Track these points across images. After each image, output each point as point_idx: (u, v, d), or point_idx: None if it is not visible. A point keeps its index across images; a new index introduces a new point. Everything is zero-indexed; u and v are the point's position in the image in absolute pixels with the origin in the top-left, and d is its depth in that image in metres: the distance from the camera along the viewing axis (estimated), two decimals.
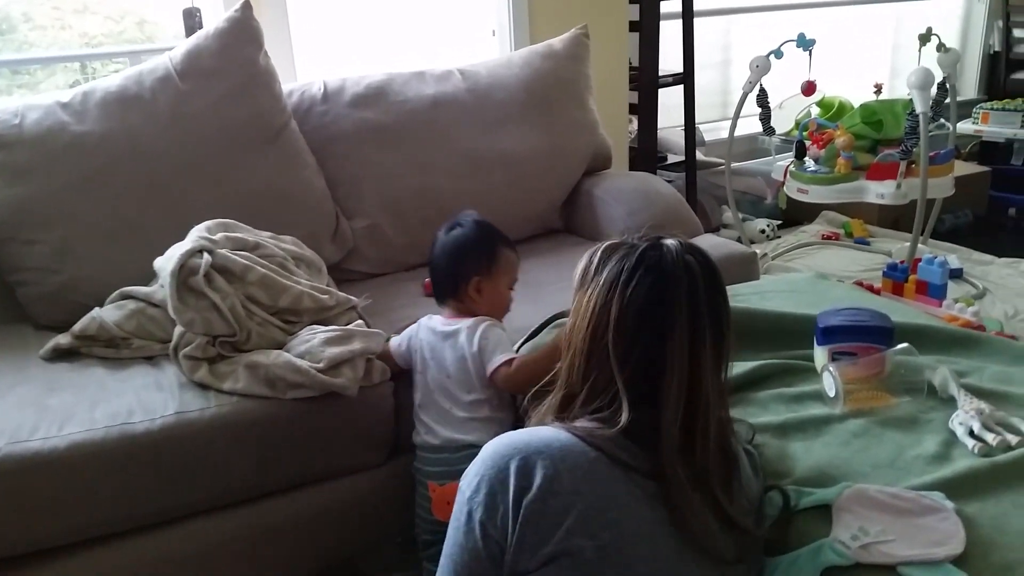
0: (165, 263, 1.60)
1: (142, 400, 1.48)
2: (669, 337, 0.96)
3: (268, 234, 1.82)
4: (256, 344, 1.59)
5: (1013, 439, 1.20)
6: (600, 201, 2.30)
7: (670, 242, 1.03)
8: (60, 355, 1.66)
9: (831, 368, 1.35)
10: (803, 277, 1.93)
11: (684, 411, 0.96)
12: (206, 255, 1.60)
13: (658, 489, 0.93)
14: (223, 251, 1.62)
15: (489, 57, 2.54)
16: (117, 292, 1.74)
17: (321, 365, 1.50)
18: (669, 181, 3.61)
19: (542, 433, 0.95)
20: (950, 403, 1.32)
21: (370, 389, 1.56)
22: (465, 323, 1.52)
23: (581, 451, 0.92)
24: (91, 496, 1.39)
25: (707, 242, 2.15)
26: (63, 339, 1.67)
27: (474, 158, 2.25)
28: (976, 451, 1.19)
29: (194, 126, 1.97)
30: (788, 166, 3.06)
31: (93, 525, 1.42)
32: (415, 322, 1.61)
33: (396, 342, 1.60)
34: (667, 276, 0.98)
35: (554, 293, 1.92)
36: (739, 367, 1.45)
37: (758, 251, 3.28)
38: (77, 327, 1.68)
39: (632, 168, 3.31)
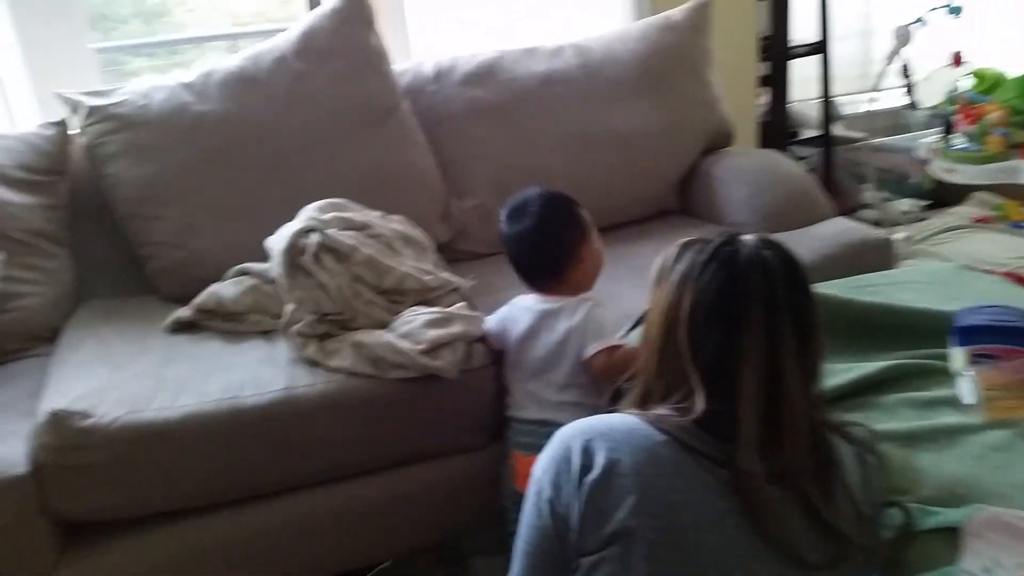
0: (276, 242, 1.64)
1: (254, 374, 1.52)
2: (744, 331, 0.94)
3: (377, 213, 1.83)
4: (362, 323, 1.60)
5: None
6: (719, 181, 2.19)
7: (747, 237, 1.00)
8: (181, 328, 1.73)
9: (970, 372, 1.23)
10: (944, 267, 1.76)
11: (766, 407, 0.93)
12: (315, 235, 1.62)
13: (729, 479, 0.91)
14: (332, 231, 1.64)
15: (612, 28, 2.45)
16: (235, 268, 1.79)
17: (421, 347, 1.50)
18: (802, 158, 3.45)
19: (610, 419, 0.97)
20: None
21: (471, 372, 1.55)
22: (567, 302, 1.47)
23: (647, 434, 0.93)
24: (200, 466, 1.44)
25: (838, 226, 2.01)
26: (184, 312, 1.73)
27: (585, 136, 2.18)
28: None
29: (308, 106, 2.01)
30: (935, 143, 2.82)
31: (201, 494, 1.47)
32: (507, 303, 1.57)
33: (492, 323, 1.57)
34: (740, 270, 0.96)
35: None
36: (865, 367, 1.34)
37: (901, 234, 3.07)
38: (197, 301, 1.73)
39: (761, 145, 3.15)
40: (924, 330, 1.42)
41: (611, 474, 0.89)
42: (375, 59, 2.10)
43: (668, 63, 2.28)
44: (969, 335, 1.30)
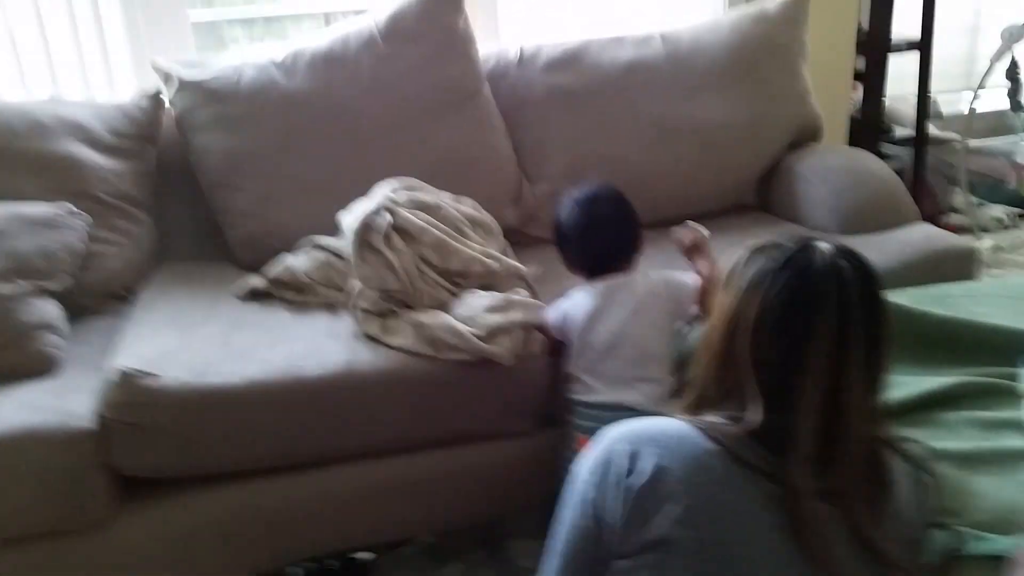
0: (349, 219, 1.67)
1: (317, 346, 1.56)
2: (811, 345, 0.91)
3: (448, 195, 1.85)
4: (425, 303, 1.63)
5: None
6: (802, 179, 2.13)
7: (823, 245, 0.96)
8: (252, 296, 1.79)
9: None
10: None
11: (825, 421, 0.90)
12: (387, 214, 1.65)
13: (779, 494, 0.89)
14: (403, 211, 1.66)
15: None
16: (308, 240, 1.84)
17: (480, 332, 1.51)
18: (892, 157, 3.32)
19: (661, 423, 0.96)
20: None
21: (527, 359, 1.56)
22: (627, 277, 1.53)
23: (697, 442, 0.91)
24: (259, 432, 1.49)
25: (921, 232, 1.93)
26: (257, 281, 1.79)
27: (665, 127, 2.15)
28: None
29: (392, 88, 2.04)
30: None
31: (258, 459, 1.52)
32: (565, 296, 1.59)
33: (552, 313, 1.58)
34: (814, 279, 0.93)
35: None
36: (931, 382, 1.30)
37: (990, 242, 2.93)
38: (269, 271, 1.79)
39: (852, 141, 3.04)
40: (997, 347, 1.37)
41: (658, 481, 0.88)
42: (461, 43, 2.11)
43: (759, 55, 2.23)
44: None
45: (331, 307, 1.72)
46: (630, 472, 0.90)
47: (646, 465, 0.89)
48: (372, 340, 1.58)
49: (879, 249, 1.82)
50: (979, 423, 1.22)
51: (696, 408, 1.00)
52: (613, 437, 0.95)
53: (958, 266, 1.82)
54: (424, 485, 1.61)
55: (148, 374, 1.45)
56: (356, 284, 1.63)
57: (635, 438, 0.93)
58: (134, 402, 1.43)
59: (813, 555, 0.87)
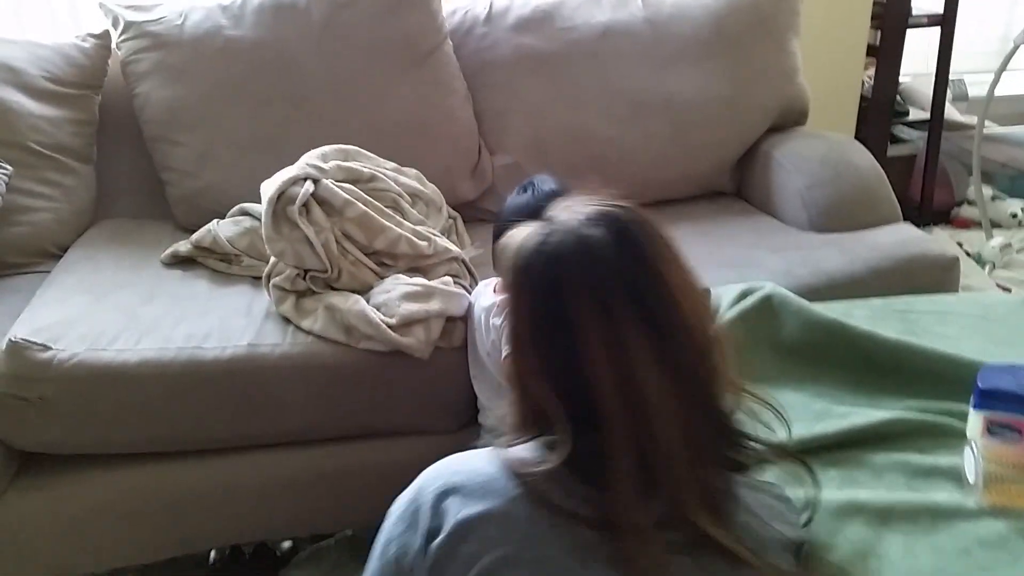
0: (267, 187, 1.56)
1: (224, 324, 1.47)
2: (580, 340, 0.76)
3: (391, 165, 1.73)
4: (346, 283, 1.52)
5: None
6: (778, 166, 1.96)
7: (565, 218, 0.80)
8: (178, 261, 1.69)
9: (976, 443, 1.05)
10: (1006, 300, 1.53)
11: (633, 431, 0.76)
12: (309, 184, 1.53)
13: (602, 539, 0.74)
14: (327, 182, 1.55)
15: None
16: (237, 207, 1.74)
17: (393, 321, 1.41)
18: (905, 141, 3.12)
19: (473, 462, 0.81)
20: None
21: (446, 352, 1.45)
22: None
23: (502, 489, 0.77)
24: (154, 413, 1.41)
25: (897, 235, 1.77)
26: (182, 247, 1.70)
27: (637, 99, 2.00)
28: None
29: (343, 40, 1.91)
30: None
31: (154, 440, 1.44)
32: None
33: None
34: (555, 265, 0.77)
35: (697, 270, 1.68)
36: (863, 415, 1.16)
37: (997, 240, 2.75)
38: (195, 236, 1.70)
39: (861, 122, 2.86)
40: (947, 378, 1.23)
41: (458, 538, 0.76)
42: None
43: (747, 25, 2.04)
44: (989, 399, 1.10)
45: (256, 279, 1.63)
46: (432, 532, 0.77)
47: (448, 522, 0.77)
48: (285, 320, 1.48)
49: (848, 252, 1.69)
50: (909, 469, 1.09)
51: (518, 433, 0.85)
52: (423, 480, 0.82)
53: (935, 276, 1.66)
54: (340, 479, 1.52)
55: (40, 345, 1.38)
56: (272, 259, 1.52)
57: (442, 486, 0.79)
58: (22, 375, 1.36)
59: None
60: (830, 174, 1.86)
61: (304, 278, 1.51)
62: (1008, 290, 2.50)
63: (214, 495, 1.49)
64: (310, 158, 1.61)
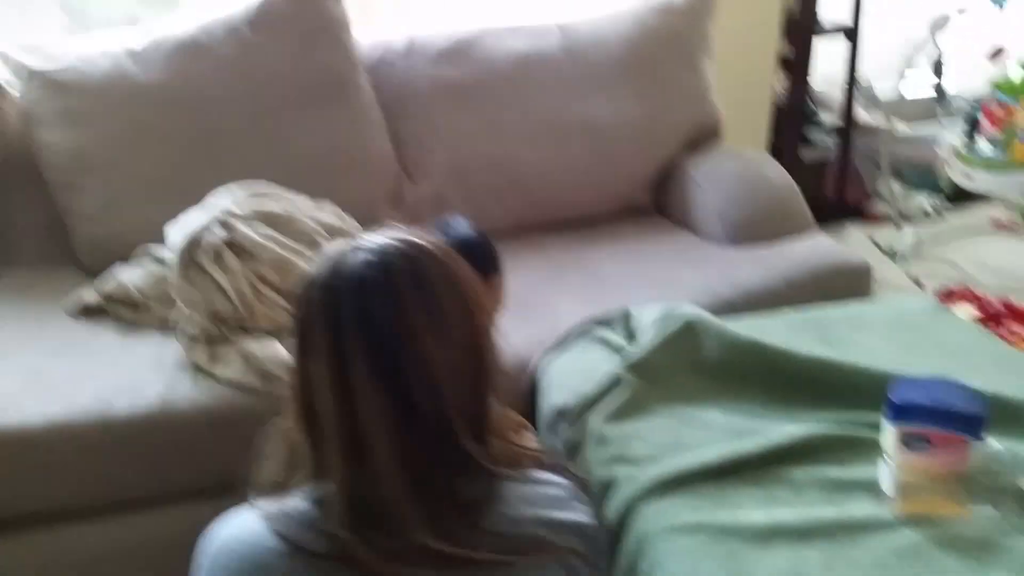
0: (176, 233, 1.52)
1: (134, 378, 1.42)
2: (316, 375, 0.80)
3: (306, 201, 1.70)
4: (262, 325, 1.48)
5: None
6: (695, 184, 1.99)
7: (353, 257, 0.82)
8: (86, 312, 1.63)
9: (890, 455, 1.07)
10: (919, 306, 1.56)
11: (352, 468, 0.80)
12: (220, 231, 1.49)
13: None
14: (240, 226, 1.51)
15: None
16: (144, 250, 1.69)
17: None
18: (818, 145, 3.21)
19: (239, 529, 0.84)
20: None
21: None
22: None
23: (265, 547, 0.80)
24: (66, 474, 1.36)
25: (811, 246, 1.80)
26: (89, 296, 1.64)
27: (556, 125, 2.01)
28: None
29: (255, 78, 1.87)
30: (957, 144, 2.58)
31: (69, 501, 1.39)
32: None
33: None
34: (321, 288, 0.82)
35: (617, 288, 1.69)
36: (781, 432, 1.18)
37: (909, 237, 2.84)
38: (99, 283, 1.64)
39: (776, 129, 2.92)
40: (862, 389, 1.25)
41: None
42: (334, 27, 1.94)
43: (660, 49, 2.08)
44: (902, 413, 1.12)
45: (166, 327, 1.57)
46: None
47: None
48: (198, 370, 1.44)
49: (764, 265, 1.72)
50: (827, 483, 1.11)
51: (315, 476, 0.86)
52: (200, 550, 0.85)
53: (849, 283, 1.70)
54: None
55: None
56: (182, 307, 1.48)
57: (211, 557, 0.82)
58: None
59: None
60: (745, 189, 1.89)
61: (215, 324, 1.47)
62: (920, 284, 2.59)
63: (135, 553, 1.44)
64: (220, 200, 1.57)
